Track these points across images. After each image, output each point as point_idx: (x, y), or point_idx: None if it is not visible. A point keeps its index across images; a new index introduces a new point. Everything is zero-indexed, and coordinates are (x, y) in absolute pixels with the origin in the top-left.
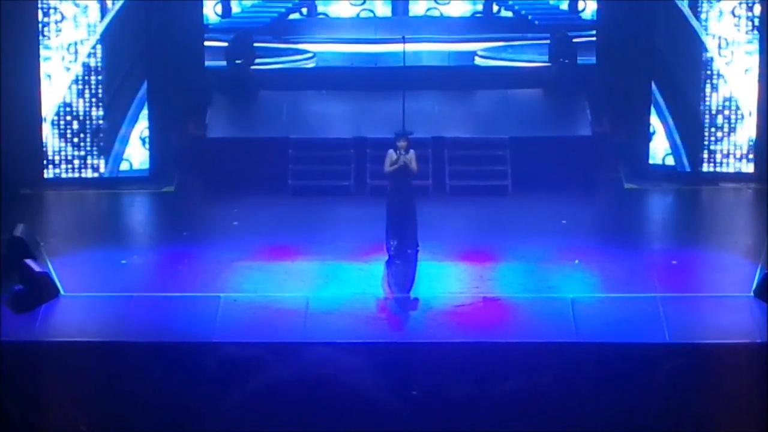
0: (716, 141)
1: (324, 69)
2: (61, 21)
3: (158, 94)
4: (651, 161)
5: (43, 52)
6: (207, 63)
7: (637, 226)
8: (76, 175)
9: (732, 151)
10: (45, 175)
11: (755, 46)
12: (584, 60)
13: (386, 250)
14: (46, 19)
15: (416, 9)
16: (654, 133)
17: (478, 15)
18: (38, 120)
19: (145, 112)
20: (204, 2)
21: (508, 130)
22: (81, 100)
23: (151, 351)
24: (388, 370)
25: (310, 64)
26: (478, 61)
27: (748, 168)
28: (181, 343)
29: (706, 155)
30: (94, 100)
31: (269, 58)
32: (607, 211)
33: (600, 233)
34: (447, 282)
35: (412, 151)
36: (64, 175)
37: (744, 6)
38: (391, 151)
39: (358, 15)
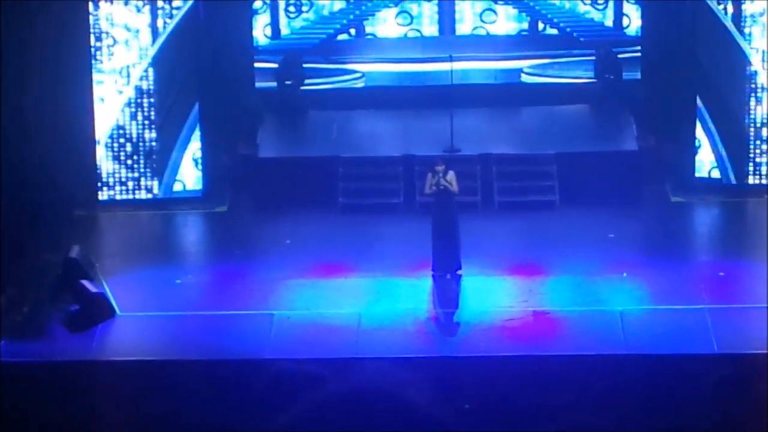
0: (761, 153)
1: (373, 88)
2: (113, 45)
3: (210, 116)
4: (697, 174)
5: (96, 76)
6: (257, 84)
7: (684, 239)
8: (130, 196)
9: None
10: (99, 197)
11: None
12: (629, 75)
13: (432, 268)
14: (98, 44)
15: (463, 28)
16: (700, 146)
17: (524, 33)
18: (92, 143)
19: (197, 133)
20: (254, 24)
21: (554, 145)
22: (134, 123)
23: (206, 369)
24: (439, 385)
25: (359, 84)
26: (524, 78)
27: None
28: (236, 361)
29: (751, 168)
30: (146, 122)
31: (318, 78)
32: (654, 224)
33: (647, 246)
34: (496, 296)
35: (451, 173)
36: (118, 197)
37: None
38: (429, 174)
39: (405, 35)
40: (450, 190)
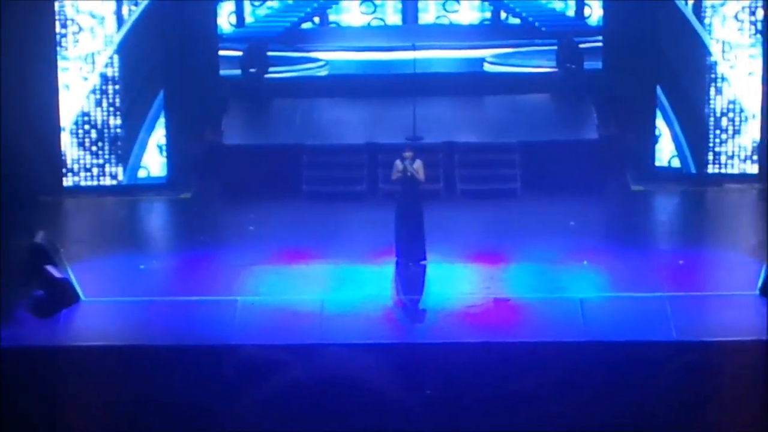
0: (721, 143)
1: (336, 77)
2: (78, 32)
3: (175, 103)
4: (657, 163)
5: (61, 63)
6: (222, 72)
7: (644, 227)
8: (95, 182)
9: (736, 153)
10: (64, 183)
11: (758, 50)
12: (591, 65)
13: (395, 255)
14: (63, 31)
15: (426, 17)
16: (660, 135)
17: (487, 22)
18: (57, 129)
19: (162, 120)
20: (218, 12)
21: (517, 134)
22: (99, 110)
23: (171, 354)
24: (401, 371)
25: (323, 72)
26: (487, 67)
27: (753, 169)
28: (200, 346)
29: (711, 157)
30: (111, 109)
31: (283, 66)
32: (615, 213)
33: (608, 234)
34: (458, 283)
35: (418, 161)
36: (83, 183)
37: (747, 10)
38: (398, 161)
39: (369, 24)
40: (416, 178)
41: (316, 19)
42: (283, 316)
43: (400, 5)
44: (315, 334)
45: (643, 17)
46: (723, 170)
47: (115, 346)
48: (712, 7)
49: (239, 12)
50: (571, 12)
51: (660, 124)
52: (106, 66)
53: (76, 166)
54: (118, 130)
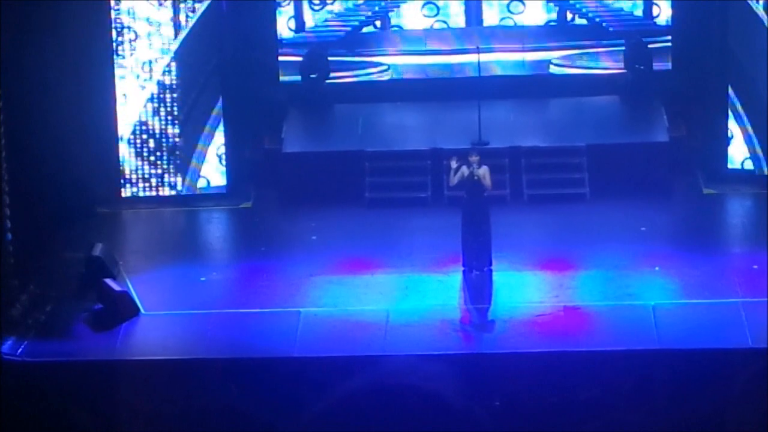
0: None
1: (399, 81)
2: (135, 39)
3: (233, 110)
4: (729, 166)
5: (117, 71)
6: (282, 78)
7: (717, 231)
8: (153, 193)
9: None
10: (122, 194)
11: None
12: (660, 66)
13: (462, 264)
14: (120, 38)
15: (490, 19)
16: (732, 137)
17: (552, 23)
18: (115, 139)
19: (221, 128)
20: (277, 17)
21: (584, 137)
22: (157, 118)
23: (232, 368)
24: (469, 381)
25: (385, 77)
26: (553, 69)
27: None
28: (261, 359)
29: None
30: (169, 117)
31: (344, 71)
32: (686, 217)
33: (679, 239)
34: (526, 291)
35: (484, 167)
36: (141, 194)
37: None
38: (464, 167)
39: (431, 26)
40: (482, 184)
41: (378, 23)
42: (346, 328)
43: (463, 7)
44: (380, 346)
45: (712, 16)
46: None
47: (175, 360)
48: None
49: (298, 16)
50: (639, 12)
51: (732, 125)
52: (164, 74)
53: (134, 177)
54: (177, 139)
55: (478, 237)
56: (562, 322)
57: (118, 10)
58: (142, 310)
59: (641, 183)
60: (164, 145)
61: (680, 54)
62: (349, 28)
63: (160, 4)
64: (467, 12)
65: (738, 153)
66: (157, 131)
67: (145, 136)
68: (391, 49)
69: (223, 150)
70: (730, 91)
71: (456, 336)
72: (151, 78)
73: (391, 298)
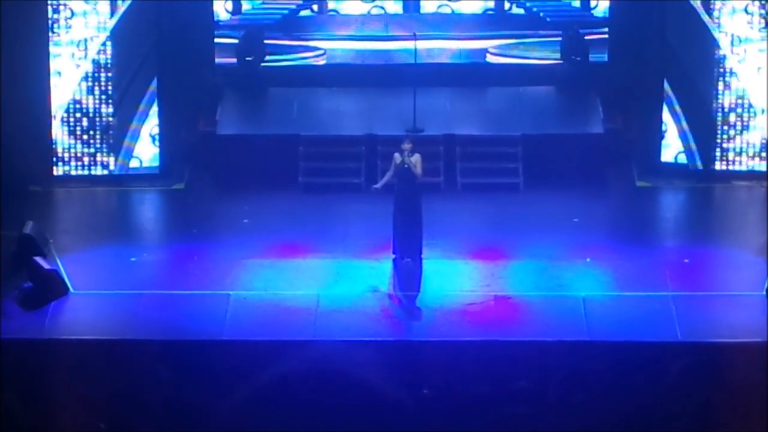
0: (729, 139)
1: (335, 66)
2: (71, 17)
3: (168, 91)
4: (663, 159)
5: (52, 49)
6: (217, 60)
7: (649, 224)
8: (86, 172)
9: (744, 149)
10: (54, 173)
11: None
12: (596, 57)
13: (393, 251)
14: (56, 16)
15: (427, 6)
16: (666, 130)
17: (490, 12)
18: (48, 117)
19: (155, 109)
20: None
21: (519, 127)
22: (91, 97)
23: (161, 349)
24: (398, 368)
25: (321, 61)
26: (489, 58)
27: (761, 166)
28: (191, 341)
29: (718, 153)
30: (103, 97)
31: (280, 55)
32: (619, 209)
33: (612, 231)
34: (458, 280)
35: (417, 155)
36: (73, 173)
37: (757, 3)
38: (396, 154)
39: (368, 12)
40: (413, 172)
41: (315, 7)
42: (276, 312)
43: None
44: (310, 330)
45: (650, 9)
46: (730, 167)
47: (104, 340)
48: None
49: None
50: (576, 3)
51: (667, 118)
52: (99, 53)
53: (66, 155)
54: (110, 119)
55: (410, 225)
56: (493, 311)
57: None
58: (71, 289)
59: (575, 174)
60: (98, 124)
61: (617, 46)
62: (286, 11)
63: None
64: None
65: (672, 146)
66: (91, 110)
67: (78, 115)
68: (327, 33)
69: (156, 130)
70: (666, 84)
71: (385, 323)
72: (86, 56)
73: (322, 283)
